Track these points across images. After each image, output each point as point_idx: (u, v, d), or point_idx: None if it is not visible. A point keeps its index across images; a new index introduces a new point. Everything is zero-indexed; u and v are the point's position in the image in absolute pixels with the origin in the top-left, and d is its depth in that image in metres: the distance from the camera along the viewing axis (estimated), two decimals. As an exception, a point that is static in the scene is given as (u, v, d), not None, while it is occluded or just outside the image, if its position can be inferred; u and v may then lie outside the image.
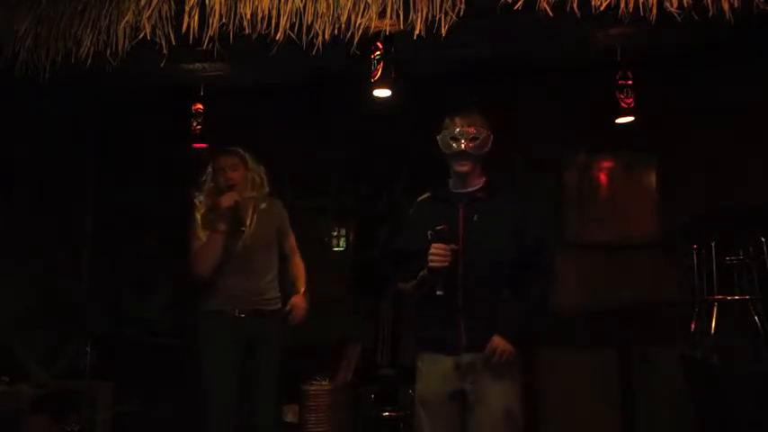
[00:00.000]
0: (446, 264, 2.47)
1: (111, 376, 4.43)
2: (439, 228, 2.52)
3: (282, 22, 3.11)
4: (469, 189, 2.67)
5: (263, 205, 3.39)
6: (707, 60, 4.16)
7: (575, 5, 2.87)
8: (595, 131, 4.39)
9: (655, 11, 2.86)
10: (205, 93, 4.61)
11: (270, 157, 3.52)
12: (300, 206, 4.65)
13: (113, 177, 5.26)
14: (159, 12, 3.24)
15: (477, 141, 2.60)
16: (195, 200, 3.37)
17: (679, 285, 4.21)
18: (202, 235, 3.28)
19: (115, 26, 3.31)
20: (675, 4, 2.84)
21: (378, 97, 3.66)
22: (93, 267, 5.21)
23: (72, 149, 5.10)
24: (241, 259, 3.28)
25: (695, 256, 4.06)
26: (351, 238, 5.07)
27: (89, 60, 3.39)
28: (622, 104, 3.97)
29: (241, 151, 3.41)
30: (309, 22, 3.09)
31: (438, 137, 2.67)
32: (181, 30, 3.22)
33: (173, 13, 3.24)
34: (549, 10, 2.89)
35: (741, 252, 3.95)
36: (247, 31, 3.15)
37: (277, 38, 3.12)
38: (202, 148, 4.56)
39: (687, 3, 2.83)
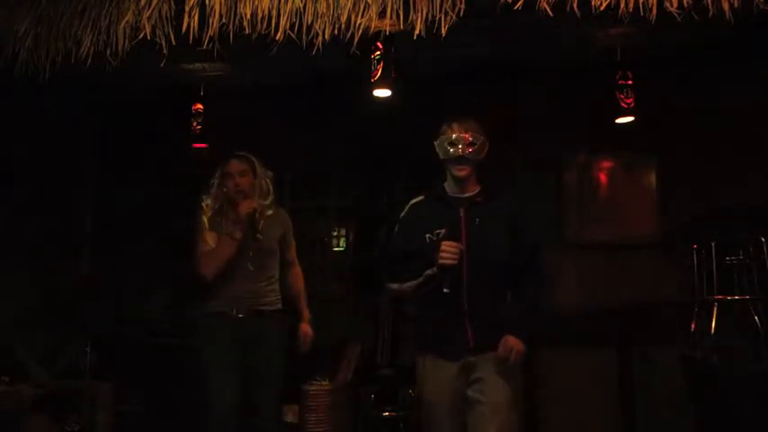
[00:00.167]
0: (455, 261, 2.51)
1: (111, 376, 4.42)
2: (439, 231, 2.58)
3: (282, 22, 3.11)
4: (468, 194, 2.72)
5: (270, 212, 3.39)
6: (707, 60, 4.16)
7: (575, 5, 2.87)
8: (595, 131, 4.39)
9: (655, 11, 2.86)
10: (205, 93, 4.61)
11: (270, 158, 3.52)
12: (300, 206, 4.66)
13: (113, 177, 5.26)
14: (159, 12, 3.24)
15: (475, 147, 2.66)
16: (202, 203, 3.37)
17: (679, 285, 4.21)
18: (209, 238, 3.28)
19: (115, 26, 3.31)
20: (675, 4, 2.84)
21: (378, 97, 3.65)
22: (93, 267, 5.22)
23: (72, 149, 5.10)
24: (244, 263, 3.28)
25: (695, 256, 4.06)
26: (351, 238, 5.07)
27: (89, 60, 3.39)
28: (622, 104, 3.97)
29: (251, 157, 3.41)
30: (309, 22, 3.09)
31: (435, 142, 2.72)
32: (181, 30, 3.22)
33: (173, 13, 3.24)
34: (549, 10, 2.89)
35: (741, 252, 3.95)
36: (247, 31, 3.15)
37: (277, 38, 3.12)
38: (202, 148, 4.57)
39: (687, 3, 2.83)
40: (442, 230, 2.58)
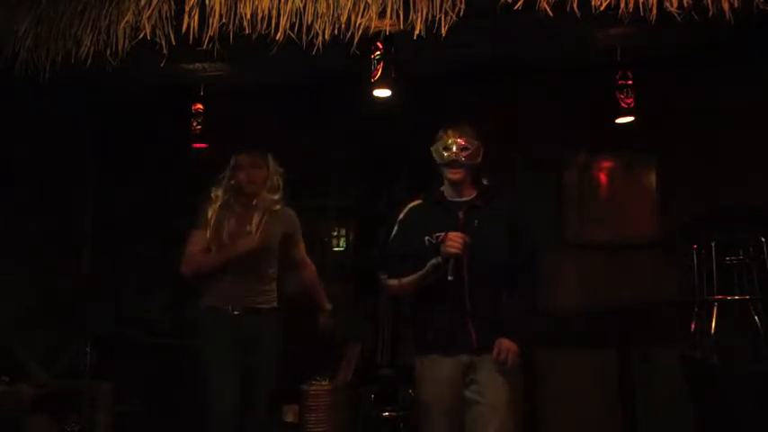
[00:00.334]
0: (460, 251, 2.55)
1: (111, 376, 4.42)
2: (438, 234, 2.62)
3: (282, 22, 3.11)
4: (465, 198, 2.76)
5: (277, 207, 3.40)
6: (707, 60, 4.16)
7: (575, 5, 2.87)
8: (595, 131, 4.39)
9: (655, 11, 2.86)
10: (205, 93, 4.61)
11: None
12: (300, 206, 4.65)
13: (113, 177, 5.26)
14: (159, 12, 3.24)
15: (468, 152, 2.70)
16: (212, 193, 3.38)
17: (679, 285, 4.21)
18: (199, 237, 3.30)
19: (115, 26, 3.31)
20: (675, 4, 2.84)
21: (378, 97, 3.66)
22: (93, 267, 5.22)
23: (72, 149, 5.10)
24: (241, 262, 3.28)
25: (695, 256, 4.06)
26: (351, 238, 5.07)
27: (89, 60, 3.39)
28: (622, 104, 3.97)
29: (265, 153, 3.43)
30: (309, 22, 3.09)
31: (432, 148, 2.76)
32: (181, 30, 3.22)
33: (173, 13, 3.24)
34: (549, 10, 2.89)
35: (741, 252, 3.95)
36: (247, 31, 3.15)
37: (277, 38, 3.12)
38: (202, 148, 4.57)
39: (687, 3, 2.83)
40: (441, 234, 2.62)
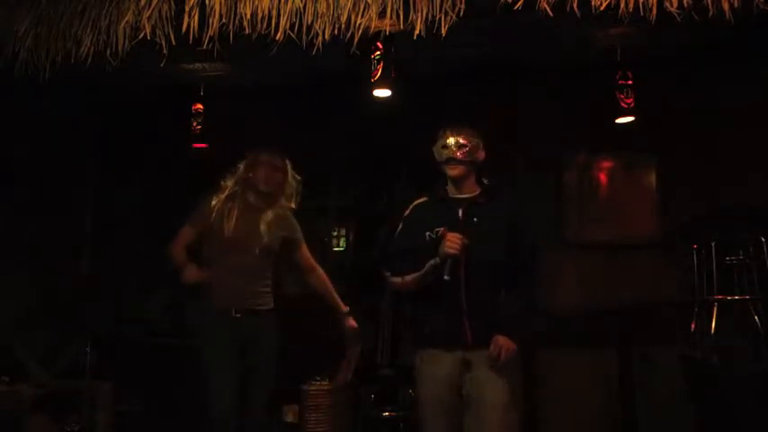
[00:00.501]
0: (458, 252, 2.58)
1: (111, 376, 4.42)
2: (438, 229, 2.67)
3: (282, 22, 3.11)
4: (466, 195, 2.79)
5: (279, 212, 3.39)
6: (707, 60, 4.16)
7: (575, 5, 2.87)
8: (595, 131, 4.39)
9: (655, 11, 2.86)
10: (205, 93, 4.61)
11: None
12: (300, 206, 4.65)
13: (113, 177, 5.26)
14: (159, 12, 3.24)
15: (466, 149, 2.75)
16: (221, 182, 3.37)
17: (679, 285, 4.21)
18: (187, 234, 3.34)
19: (115, 26, 3.31)
20: (675, 4, 2.84)
21: (378, 97, 3.66)
22: (93, 267, 5.22)
23: (72, 149, 5.10)
24: (240, 262, 3.28)
25: (695, 256, 4.06)
26: (351, 238, 5.07)
27: (89, 60, 3.39)
28: (622, 104, 3.97)
29: (284, 156, 3.42)
30: (309, 22, 3.09)
31: (434, 147, 2.81)
32: (181, 30, 3.22)
33: (173, 13, 3.24)
34: (549, 10, 2.89)
35: (741, 252, 3.95)
36: (247, 31, 3.15)
37: (277, 38, 3.12)
38: (202, 148, 4.56)
39: (687, 3, 2.83)
40: (440, 229, 2.66)
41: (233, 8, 3.16)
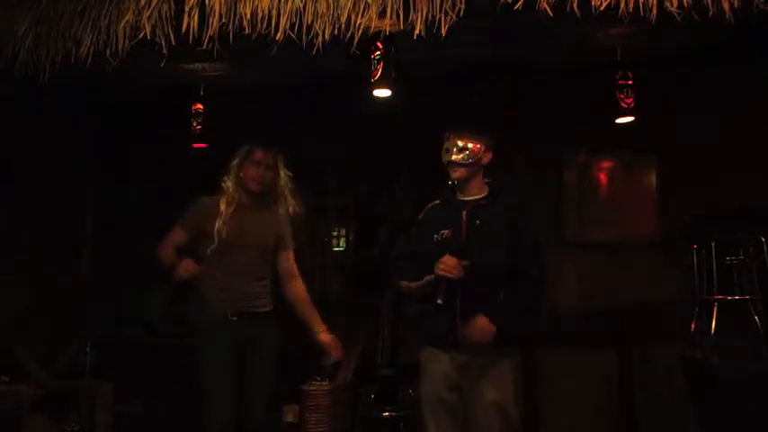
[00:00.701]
0: (454, 276, 2.61)
1: (111, 376, 4.42)
2: (444, 231, 2.74)
3: (282, 22, 3.11)
4: (471, 197, 2.82)
5: (279, 210, 3.39)
6: (707, 60, 4.15)
7: (575, 5, 2.88)
8: (595, 131, 4.39)
9: (655, 11, 2.86)
10: (205, 93, 4.60)
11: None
12: (300, 206, 4.65)
13: (113, 177, 5.26)
14: (159, 12, 3.24)
15: (466, 152, 2.79)
16: (222, 183, 3.35)
17: (679, 285, 4.20)
18: (177, 236, 3.34)
19: (115, 26, 3.31)
20: (675, 4, 2.84)
21: (378, 97, 3.65)
22: (93, 267, 5.22)
23: (72, 149, 5.10)
24: (237, 262, 3.27)
25: (695, 256, 4.06)
26: (351, 238, 5.07)
27: (89, 60, 3.39)
28: (622, 104, 3.96)
29: (277, 154, 3.40)
30: (309, 22, 3.09)
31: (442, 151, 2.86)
32: (181, 30, 3.22)
33: (173, 13, 3.24)
34: (549, 10, 2.89)
35: (741, 252, 3.95)
36: (247, 31, 3.15)
37: (277, 38, 3.12)
38: (202, 148, 4.56)
39: (687, 3, 2.83)
40: (446, 231, 2.72)
41: (233, 8, 3.16)
